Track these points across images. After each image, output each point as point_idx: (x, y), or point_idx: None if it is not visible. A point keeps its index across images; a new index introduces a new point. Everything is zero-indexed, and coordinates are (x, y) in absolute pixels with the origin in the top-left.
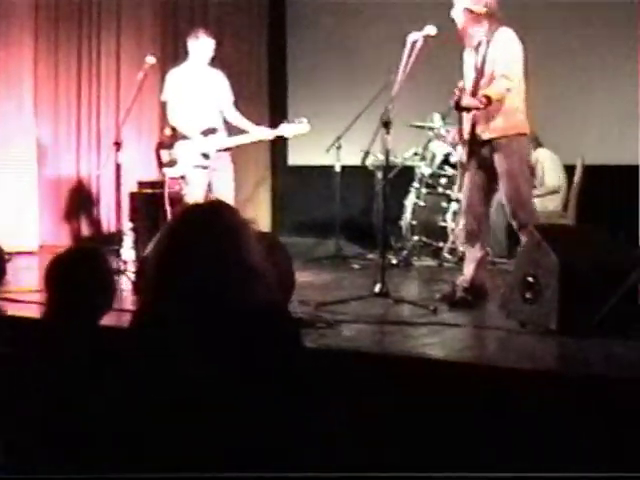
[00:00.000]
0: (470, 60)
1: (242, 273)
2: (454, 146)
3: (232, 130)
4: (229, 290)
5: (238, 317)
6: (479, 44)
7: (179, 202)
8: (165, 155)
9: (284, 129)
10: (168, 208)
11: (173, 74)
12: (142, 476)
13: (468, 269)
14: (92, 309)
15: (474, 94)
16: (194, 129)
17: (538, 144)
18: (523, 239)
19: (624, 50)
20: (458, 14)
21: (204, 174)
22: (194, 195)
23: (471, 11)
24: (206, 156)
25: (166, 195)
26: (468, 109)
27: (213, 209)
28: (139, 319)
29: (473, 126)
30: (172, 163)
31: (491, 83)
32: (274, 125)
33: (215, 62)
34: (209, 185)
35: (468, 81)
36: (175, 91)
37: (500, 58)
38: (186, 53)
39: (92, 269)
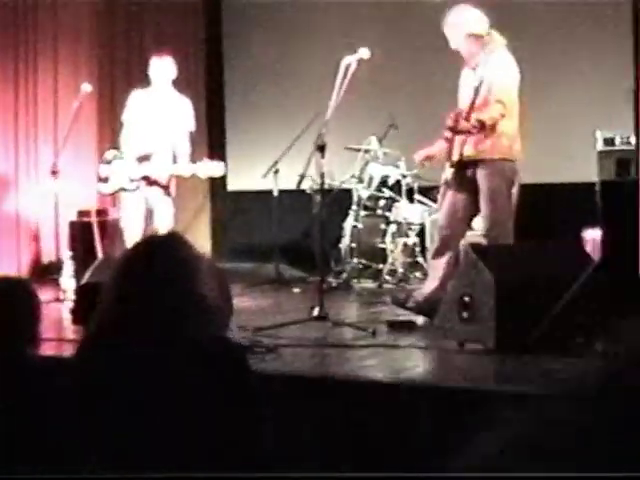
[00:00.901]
0: (468, 81)
1: (195, 305)
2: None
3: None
4: (183, 321)
5: (191, 347)
6: (477, 65)
7: (114, 231)
8: (104, 170)
9: (198, 168)
10: (96, 236)
11: (135, 96)
12: (142, 476)
13: (428, 285)
14: (18, 340)
15: (468, 115)
16: (132, 152)
17: None
18: None
19: (557, 61)
20: (460, 41)
21: (137, 200)
22: (128, 221)
23: (474, 34)
24: (132, 181)
25: (94, 223)
26: (462, 132)
27: (168, 242)
28: (87, 347)
29: (461, 147)
30: (106, 180)
31: (486, 106)
32: (212, 150)
33: None
34: (148, 214)
35: (463, 101)
36: (133, 113)
37: (497, 83)
38: (145, 76)
39: (16, 300)
